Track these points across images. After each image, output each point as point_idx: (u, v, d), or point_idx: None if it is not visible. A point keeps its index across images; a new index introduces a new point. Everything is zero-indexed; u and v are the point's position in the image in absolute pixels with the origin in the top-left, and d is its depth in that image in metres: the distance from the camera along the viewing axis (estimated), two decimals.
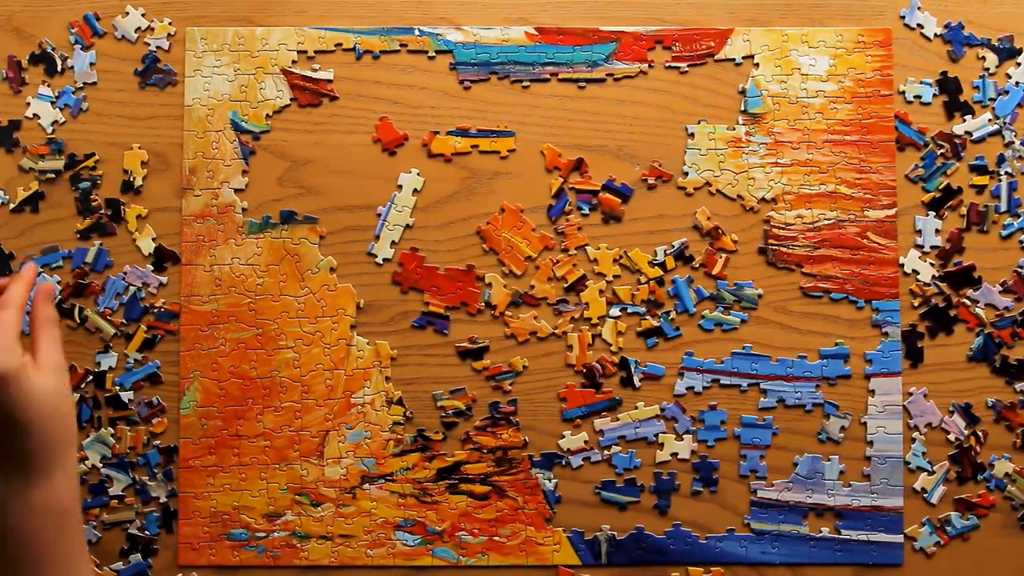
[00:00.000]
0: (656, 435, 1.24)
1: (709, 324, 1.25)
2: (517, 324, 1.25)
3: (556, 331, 1.25)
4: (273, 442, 1.23)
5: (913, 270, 1.25)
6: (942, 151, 1.25)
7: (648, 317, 1.25)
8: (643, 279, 1.25)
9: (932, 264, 1.25)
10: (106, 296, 1.25)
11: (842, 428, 1.23)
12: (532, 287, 1.25)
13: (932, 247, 1.25)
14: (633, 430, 1.24)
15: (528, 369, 1.25)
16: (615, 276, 1.25)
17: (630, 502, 1.23)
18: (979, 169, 1.26)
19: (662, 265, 1.25)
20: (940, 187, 1.25)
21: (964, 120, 1.26)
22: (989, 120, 1.26)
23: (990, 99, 1.26)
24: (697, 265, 1.25)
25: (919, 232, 1.25)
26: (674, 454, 1.24)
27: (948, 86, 1.26)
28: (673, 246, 1.25)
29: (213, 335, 1.24)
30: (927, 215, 1.25)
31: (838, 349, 1.24)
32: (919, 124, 1.26)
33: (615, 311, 1.25)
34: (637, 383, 1.24)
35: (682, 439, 1.24)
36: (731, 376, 1.25)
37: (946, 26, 1.27)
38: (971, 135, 1.26)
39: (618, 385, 1.25)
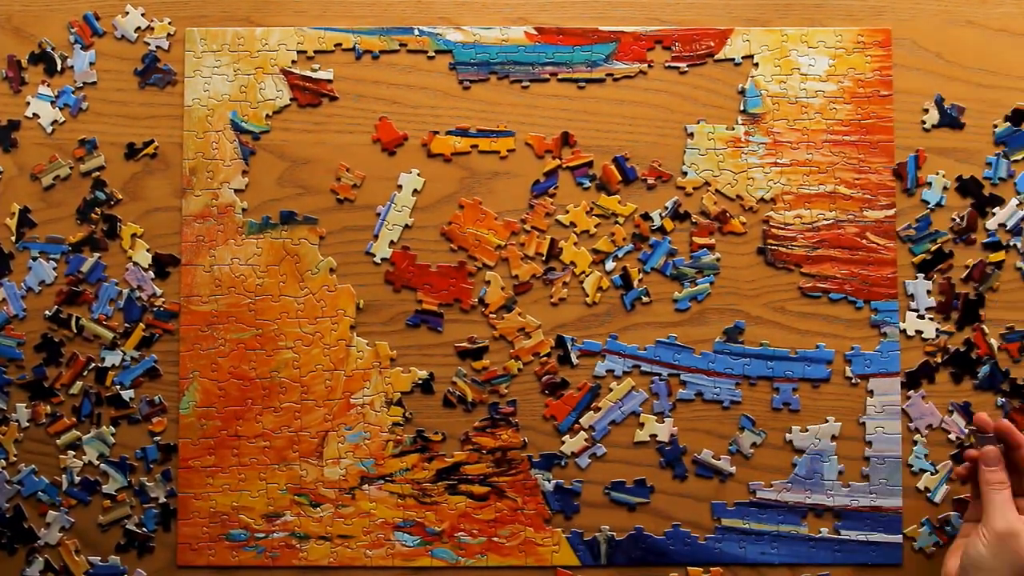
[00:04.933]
0: (640, 405, 1.24)
1: (685, 303, 1.25)
2: (503, 324, 1.25)
3: (553, 298, 1.25)
4: (272, 442, 1.23)
5: (916, 331, 1.24)
6: (952, 226, 1.25)
7: (634, 250, 1.26)
8: (620, 220, 1.26)
9: (932, 319, 1.25)
10: (100, 303, 1.25)
11: (753, 444, 1.24)
12: (515, 277, 1.25)
13: (927, 308, 1.25)
14: (619, 411, 1.24)
15: (525, 370, 1.25)
16: (596, 226, 1.26)
17: (640, 503, 1.24)
18: (993, 246, 1.25)
19: (661, 229, 1.25)
20: (930, 251, 1.25)
21: (994, 214, 1.25)
22: (1017, 204, 1.25)
23: (1006, 177, 1.26)
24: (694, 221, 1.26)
25: (911, 296, 1.25)
26: (653, 435, 1.24)
27: (969, 188, 1.26)
28: (667, 207, 1.25)
29: (213, 335, 1.24)
30: (916, 278, 1.25)
31: (762, 349, 1.25)
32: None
33: (610, 263, 1.25)
34: (575, 360, 1.25)
35: (663, 421, 1.24)
36: (652, 364, 1.25)
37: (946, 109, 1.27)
38: (1005, 226, 1.25)
39: (556, 363, 1.25)
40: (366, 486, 1.23)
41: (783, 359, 1.24)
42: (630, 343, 1.25)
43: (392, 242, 1.25)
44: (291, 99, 1.26)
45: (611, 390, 1.24)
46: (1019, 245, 1.25)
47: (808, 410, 1.24)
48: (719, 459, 1.24)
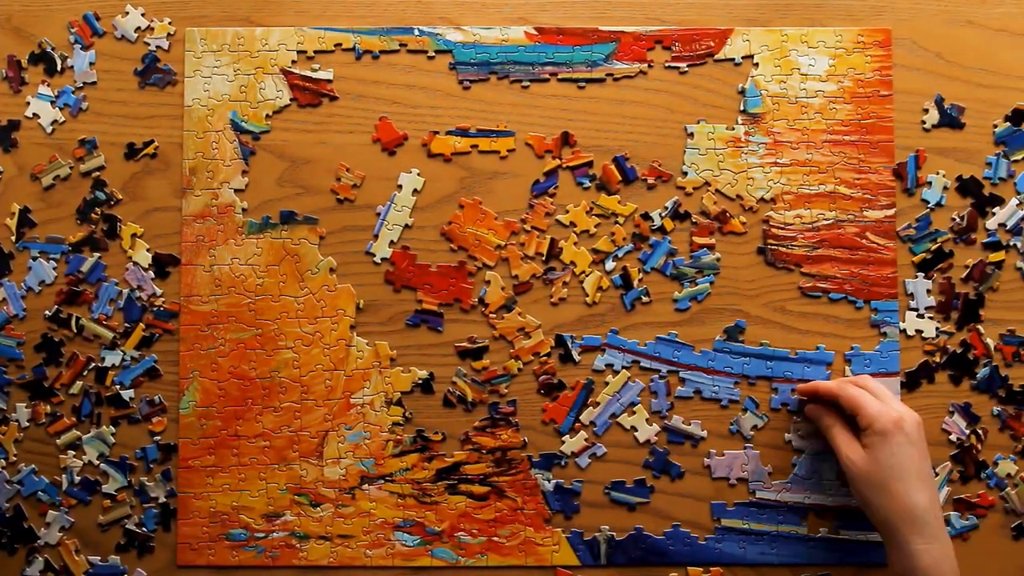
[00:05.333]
0: (639, 395, 1.24)
1: (685, 303, 1.25)
2: (503, 324, 1.25)
3: (553, 298, 1.25)
4: (272, 442, 1.23)
5: (916, 330, 1.24)
6: (952, 225, 1.25)
7: (634, 250, 1.26)
8: (620, 220, 1.26)
9: (932, 318, 1.25)
10: (100, 302, 1.25)
11: (754, 427, 1.24)
12: (515, 277, 1.25)
13: (927, 307, 1.25)
14: (618, 403, 1.24)
15: (525, 371, 1.25)
16: (596, 226, 1.26)
17: (640, 503, 1.24)
18: (993, 246, 1.25)
19: (661, 229, 1.25)
20: (930, 250, 1.25)
21: (994, 213, 1.25)
22: (1017, 204, 1.25)
23: (1006, 177, 1.26)
24: (694, 222, 1.26)
25: (911, 296, 1.25)
26: (646, 440, 1.24)
27: (969, 188, 1.25)
28: (667, 207, 1.26)
29: (213, 335, 1.24)
30: (916, 276, 1.25)
31: (762, 349, 1.25)
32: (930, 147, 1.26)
33: (610, 263, 1.25)
34: (576, 357, 1.25)
35: (651, 424, 1.24)
36: (652, 360, 1.25)
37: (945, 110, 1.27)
38: (1005, 226, 1.25)
39: (558, 362, 1.25)
40: (366, 486, 1.23)
41: (783, 359, 1.24)
42: (630, 339, 1.25)
43: (392, 242, 1.25)
44: (291, 99, 1.26)
45: (607, 383, 1.24)
46: (1019, 245, 1.25)
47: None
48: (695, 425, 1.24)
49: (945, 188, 1.25)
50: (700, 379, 1.24)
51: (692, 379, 1.24)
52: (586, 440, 1.24)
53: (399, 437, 1.23)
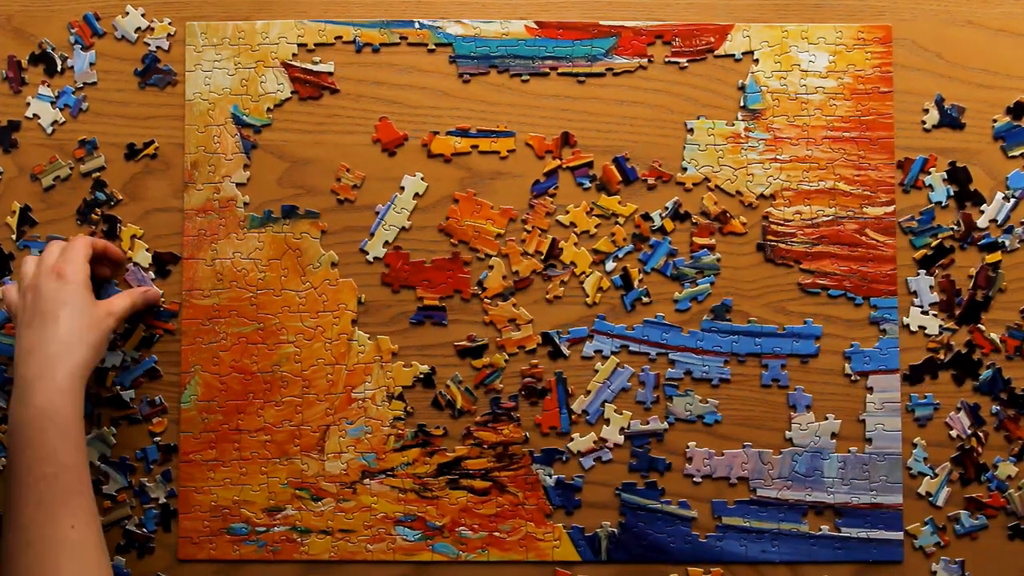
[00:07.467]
0: (628, 379, 1.24)
1: (685, 303, 1.25)
2: (496, 311, 1.25)
3: (549, 295, 1.25)
4: (274, 436, 1.23)
5: (920, 327, 1.25)
6: (952, 231, 1.25)
7: (634, 251, 1.26)
8: (620, 220, 1.26)
9: (936, 315, 1.25)
10: None
11: (687, 407, 1.25)
12: (516, 273, 1.25)
13: (931, 304, 1.25)
14: (608, 390, 1.24)
15: (510, 363, 1.25)
16: (596, 226, 1.26)
17: (651, 505, 1.23)
18: (989, 247, 1.25)
19: (661, 229, 1.25)
20: (931, 245, 1.25)
21: (982, 212, 1.26)
22: (1004, 197, 1.25)
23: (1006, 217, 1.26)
24: (694, 222, 1.26)
25: (914, 293, 1.25)
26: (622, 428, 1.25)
27: (959, 175, 1.26)
28: (667, 207, 1.26)
29: (214, 329, 1.24)
30: (918, 273, 1.25)
31: (750, 326, 1.25)
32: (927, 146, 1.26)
33: (610, 264, 1.25)
34: (566, 351, 1.25)
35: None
36: (640, 344, 1.25)
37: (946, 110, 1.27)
38: (996, 221, 1.25)
39: (548, 359, 1.25)
40: (367, 480, 1.23)
41: (771, 335, 1.24)
42: (618, 323, 1.25)
43: (387, 242, 1.25)
44: (292, 92, 1.26)
45: (595, 372, 1.25)
46: (1007, 243, 1.25)
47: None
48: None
49: (945, 183, 1.25)
50: (689, 360, 1.24)
51: (682, 360, 1.24)
52: (595, 443, 1.24)
53: (400, 431, 1.23)
